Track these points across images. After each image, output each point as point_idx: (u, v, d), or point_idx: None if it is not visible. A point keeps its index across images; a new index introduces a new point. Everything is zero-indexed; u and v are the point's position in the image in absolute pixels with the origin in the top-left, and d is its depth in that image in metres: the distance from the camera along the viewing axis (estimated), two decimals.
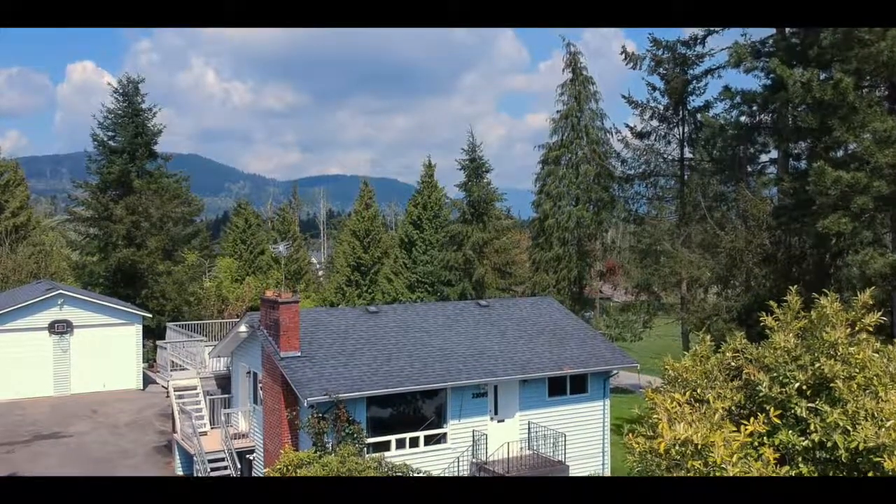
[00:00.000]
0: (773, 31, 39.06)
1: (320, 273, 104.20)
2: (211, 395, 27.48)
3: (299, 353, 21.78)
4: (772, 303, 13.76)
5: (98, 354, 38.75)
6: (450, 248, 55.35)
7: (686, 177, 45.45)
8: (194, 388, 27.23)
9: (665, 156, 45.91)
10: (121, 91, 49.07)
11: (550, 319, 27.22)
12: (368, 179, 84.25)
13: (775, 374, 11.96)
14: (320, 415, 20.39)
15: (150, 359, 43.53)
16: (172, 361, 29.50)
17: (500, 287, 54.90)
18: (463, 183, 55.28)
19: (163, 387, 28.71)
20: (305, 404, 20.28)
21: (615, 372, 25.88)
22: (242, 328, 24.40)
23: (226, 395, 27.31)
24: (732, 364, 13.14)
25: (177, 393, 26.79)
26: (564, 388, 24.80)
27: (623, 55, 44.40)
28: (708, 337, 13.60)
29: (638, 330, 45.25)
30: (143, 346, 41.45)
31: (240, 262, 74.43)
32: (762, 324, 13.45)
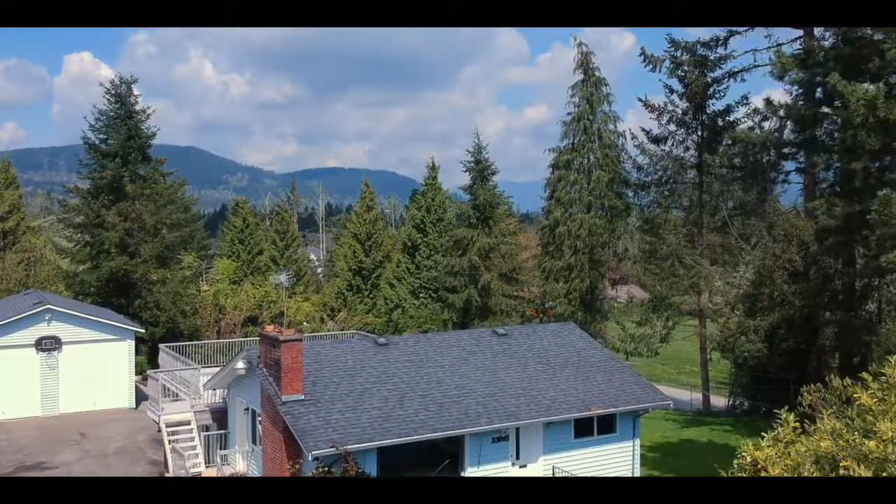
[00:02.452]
0: (797, 33, 37.07)
1: (319, 270, 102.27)
2: (206, 428, 25.45)
3: (302, 397, 19.73)
4: (866, 375, 11.74)
5: (88, 372, 36.70)
6: (454, 253, 53.32)
7: (704, 184, 43.35)
8: (188, 422, 25.17)
9: (683, 161, 43.73)
10: (113, 92, 46.90)
11: (574, 349, 25.14)
12: (367, 172, 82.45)
13: (883, 473, 9.98)
14: (326, 469, 18.36)
15: (143, 370, 41.62)
16: (164, 386, 27.48)
17: (507, 294, 52.93)
18: (468, 186, 53.31)
19: (154, 421, 26.63)
20: (310, 458, 18.25)
21: (647, 410, 23.86)
22: (240, 364, 22.29)
23: (222, 431, 25.26)
24: (823, 450, 11.12)
25: (169, 429, 24.73)
26: (591, 428, 22.77)
27: (642, 57, 42.22)
28: (791, 417, 11.50)
29: (655, 345, 43.19)
30: (137, 353, 39.48)
31: (238, 263, 72.56)
32: (858, 402, 11.41)
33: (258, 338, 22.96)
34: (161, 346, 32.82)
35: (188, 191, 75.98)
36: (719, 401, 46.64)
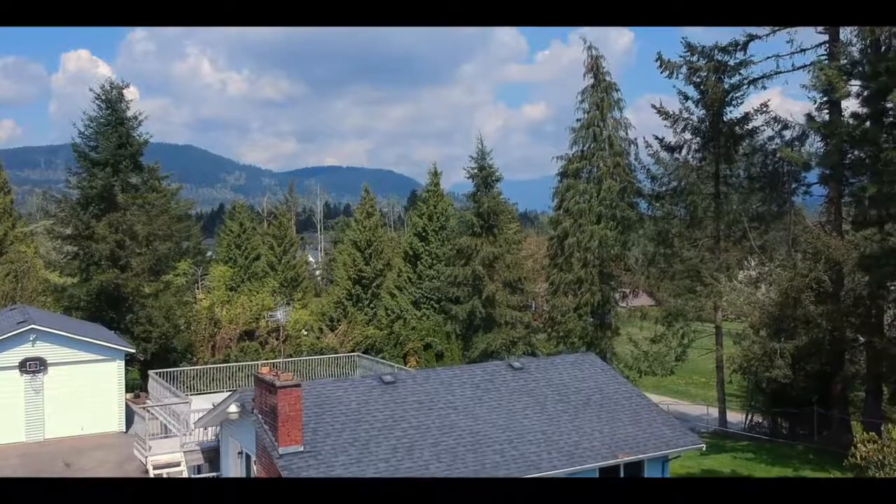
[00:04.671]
0: (821, 38, 35.22)
1: (317, 273, 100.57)
2: (198, 470, 23.59)
3: (301, 448, 17.82)
4: None
5: (75, 395, 34.70)
6: (457, 263, 51.53)
7: (721, 194, 41.45)
8: (178, 463, 23.28)
9: (699, 171, 41.78)
10: (103, 97, 44.90)
11: (595, 384, 23.23)
12: (365, 170, 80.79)
13: None
14: None
15: (135, 387, 39.76)
16: (153, 422, 25.62)
17: (512, 305, 51.09)
18: (472, 193, 51.52)
19: (141, 462, 24.74)
20: None
21: (678, 454, 21.98)
22: (233, 408, 20.33)
23: (214, 474, 23.38)
24: None
25: (156, 471, 22.83)
26: (617, 475, 20.88)
27: (658, 62, 40.21)
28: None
29: (669, 364, 41.35)
30: (127, 371, 37.64)
31: (234, 269, 70.83)
32: None
33: (252, 361, 21.16)
34: (151, 373, 30.94)
35: (185, 192, 74.16)
36: (733, 416, 44.82)
